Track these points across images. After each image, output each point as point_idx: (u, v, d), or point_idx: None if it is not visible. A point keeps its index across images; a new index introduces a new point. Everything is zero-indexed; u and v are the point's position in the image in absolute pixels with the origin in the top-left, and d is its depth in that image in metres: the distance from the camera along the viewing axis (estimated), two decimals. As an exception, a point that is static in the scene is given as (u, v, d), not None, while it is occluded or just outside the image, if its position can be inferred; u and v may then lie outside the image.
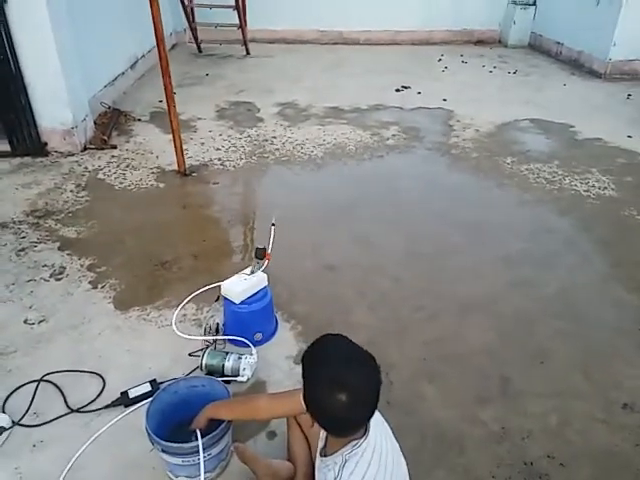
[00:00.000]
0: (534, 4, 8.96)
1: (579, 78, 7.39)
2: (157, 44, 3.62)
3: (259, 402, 1.81)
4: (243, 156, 4.60)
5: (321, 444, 1.47)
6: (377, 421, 1.42)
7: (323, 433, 1.45)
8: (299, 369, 2.34)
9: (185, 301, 2.77)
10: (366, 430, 1.35)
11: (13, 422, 2.05)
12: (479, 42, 9.47)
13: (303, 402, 1.33)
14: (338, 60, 8.06)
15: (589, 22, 7.53)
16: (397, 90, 6.62)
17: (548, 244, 3.46)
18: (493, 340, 2.62)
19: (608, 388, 2.36)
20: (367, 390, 1.28)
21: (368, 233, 3.51)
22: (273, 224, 2.44)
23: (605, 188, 4.20)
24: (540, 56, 8.63)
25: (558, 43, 8.37)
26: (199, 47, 8.18)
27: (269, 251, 2.42)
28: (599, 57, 7.36)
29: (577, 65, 7.85)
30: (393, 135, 5.18)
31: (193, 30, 7.98)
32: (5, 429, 1.99)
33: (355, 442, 1.33)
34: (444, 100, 6.23)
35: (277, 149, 4.76)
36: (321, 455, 1.44)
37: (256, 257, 2.39)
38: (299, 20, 8.99)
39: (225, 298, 2.43)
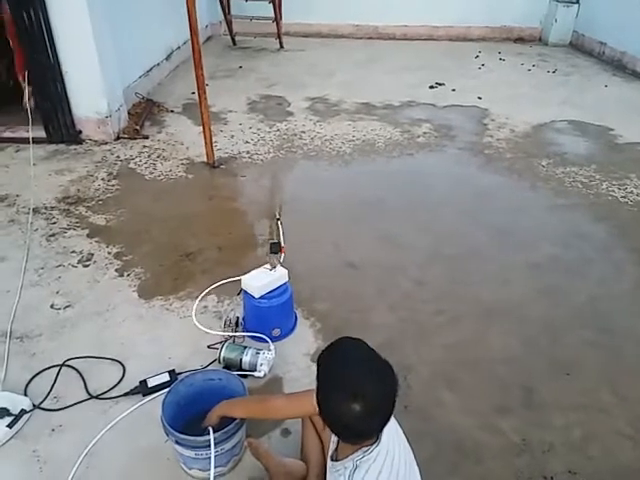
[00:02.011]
0: (577, 2, 8.66)
1: (621, 80, 7.12)
2: (191, 36, 3.64)
3: (275, 402, 1.80)
4: (271, 150, 4.60)
5: (332, 447, 1.45)
6: (390, 426, 1.38)
7: (335, 437, 1.43)
8: (316, 367, 2.34)
9: (204, 292, 2.78)
10: (378, 437, 1.32)
11: (34, 405, 2.10)
12: (518, 39, 9.22)
13: (316, 405, 1.30)
14: (372, 55, 7.97)
15: (634, 22, 7.24)
16: (431, 87, 6.50)
17: (580, 251, 3.34)
18: (517, 348, 2.54)
19: (636, 403, 2.27)
20: (383, 401, 1.24)
21: (393, 232, 3.46)
22: (278, 219, 2.43)
23: (644, 195, 4.04)
24: (582, 56, 8.35)
25: (601, 43, 8.08)
26: (234, 39, 8.22)
27: (283, 244, 2.41)
28: (644, 58, 7.08)
29: (620, 66, 7.56)
30: (424, 133, 5.09)
31: (228, 22, 8.01)
32: (26, 412, 2.03)
33: (366, 448, 1.30)
34: (479, 98, 6.09)
35: (306, 144, 4.74)
36: (332, 459, 1.42)
37: (272, 252, 2.38)
38: (334, 14, 8.93)
39: (245, 292, 2.44)
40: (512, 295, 2.92)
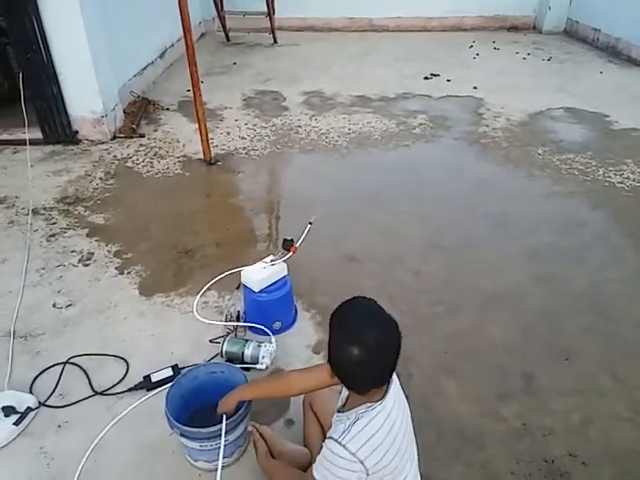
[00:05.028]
0: (571, -11, 8.64)
1: (616, 66, 7.11)
2: (184, 33, 3.64)
3: (290, 378, 1.84)
4: (268, 145, 4.60)
5: (340, 404, 1.53)
6: (397, 397, 1.47)
7: (343, 394, 1.53)
8: (318, 359, 2.38)
9: (205, 287, 2.80)
10: (383, 396, 1.40)
11: (39, 403, 2.12)
12: (513, 28, 9.20)
13: (327, 351, 1.40)
14: (367, 48, 7.96)
15: (628, 8, 7.22)
16: (426, 78, 6.50)
17: (578, 237, 3.36)
18: (516, 335, 2.57)
19: (635, 387, 2.29)
20: (381, 351, 1.33)
21: (391, 224, 3.48)
22: (310, 223, 2.44)
23: (640, 180, 4.05)
24: (576, 43, 8.34)
25: (595, 29, 8.07)
26: (227, 36, 8.20)
27: (297, 245, 2.42)
28: (638, 44, 7.07)
29: (614, 52, 7.56)
30: (420, 124, 5.10)
31: (222, 19, 7.99)
32: (32, 409, 2.06)
33: (370, 404, 1.39)
34: (474, 88, 6.09)
35: (302, 138, 4.75)
36: (338, 411, 1.50)
37: (283, 247, 2.40)
38: (328, 8, 8.90)
39: (245, 286, 2.46)
40: (511, 283, 2.94)
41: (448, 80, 6.40)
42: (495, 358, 2.44)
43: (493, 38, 8.52)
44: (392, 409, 1.41)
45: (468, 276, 2.99)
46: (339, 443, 1.35)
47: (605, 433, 2.08)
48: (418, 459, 1.59)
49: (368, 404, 1.39)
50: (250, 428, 1.82)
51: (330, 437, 1.39)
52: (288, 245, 2.39)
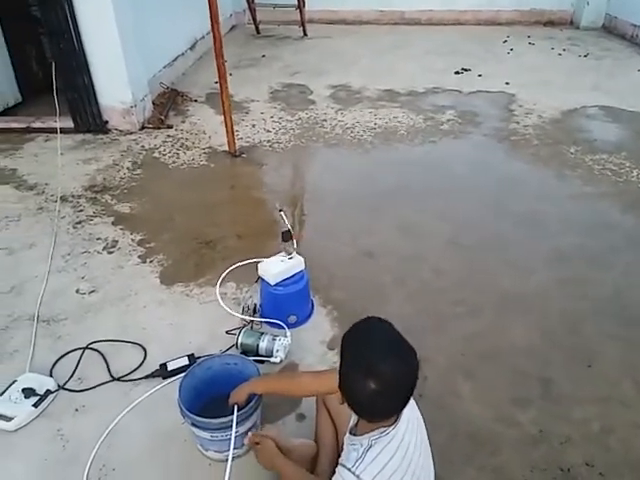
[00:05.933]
0: (611, -17, 8.34)
1: (657, 63, 6.85)
2: (211, 25, 3.66)
3: (302, 379, 1.82)
4: (292, 139, 4.60)
5: (352, 423, 1.47)
6: (412, 418, 1.41)
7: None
8: (332, 355, 2.37)
9: (221, 277, 2.83)
10: (396, 420, 1.34)
11: (59, 386, 2.18)
12: (549, 23, 8.94)
13: (337, 378, 1.32)
14: (397, 41, 7.86)
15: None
16: (457, 72, 6.39)
17: (606, 240, 3.26)
18: (537, 339, 2.50)
19: (660, 397, 2.21)
20: (399, 384, 1.25)
21: (413, 220, 3.43)
22: (280, 210, 2.47)
23: (677, 183, 3.89)
24: (614, 39, 8.05)
25: (634, 26, 7.76)
26: (257, 28, 8.21)
27: (293, 232, 2.46)
28: (681, 40, 6.78)
29: (656, 49, 7.28)
30: (448, 120, 5.01)
31: (252, 11, 8.00)
32: (51, 392, 2.12)
33: (384, 429, 1.32)
34: (506, 84, 5.95)
35: (327, 132, 4.73)
36: (351, 433, 1.44)
37: (283, 240, 2.41)
38: (359, 0, 8.81)
39: (262, 279, 2.47)
40: (534, 285, 2.87)
41: (479, 75, 6.27)
42: (514, 361, 2.38)
43: (528, 33, 8.30)
44: (405, 432, 1.34)
45: (490, 276, 2.93)
46: (353, 473, 1.29)
47: (625, 443, 2.02)
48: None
49: (381, 429, 1.32)
50: (248, 438, 1.77)
51: (343, 465, 1.34)
52: (287, 236, 2.41)
